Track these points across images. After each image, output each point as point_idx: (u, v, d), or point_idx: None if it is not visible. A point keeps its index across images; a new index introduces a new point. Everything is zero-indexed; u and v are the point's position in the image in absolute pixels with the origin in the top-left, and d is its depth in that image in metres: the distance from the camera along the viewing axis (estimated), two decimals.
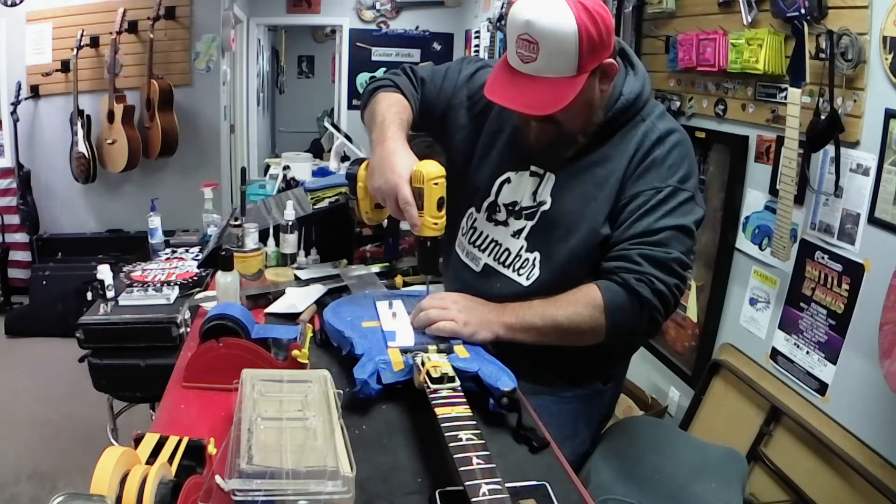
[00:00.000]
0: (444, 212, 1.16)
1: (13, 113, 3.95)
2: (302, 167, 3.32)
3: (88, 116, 3.97)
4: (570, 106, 1.08)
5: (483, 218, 1.31)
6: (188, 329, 1.62)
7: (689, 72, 2.30)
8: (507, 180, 1.28)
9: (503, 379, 1.02)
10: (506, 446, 0.97)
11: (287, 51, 8.47)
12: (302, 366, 1.12)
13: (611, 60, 1.12)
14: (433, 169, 1.13)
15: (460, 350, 1.09)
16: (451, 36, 5.91)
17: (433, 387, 0.96)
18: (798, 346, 1.89)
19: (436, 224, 1.16)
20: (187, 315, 1.66)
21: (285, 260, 1.79)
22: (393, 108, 1.28)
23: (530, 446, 0.97)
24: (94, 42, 4.03)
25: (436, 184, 1.13)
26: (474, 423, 0.87)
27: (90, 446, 2.55)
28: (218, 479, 0.73)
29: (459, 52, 5.85)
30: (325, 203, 1.93)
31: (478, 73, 1.34)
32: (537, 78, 1.09)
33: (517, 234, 1.26)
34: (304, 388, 0.92)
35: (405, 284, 1.68)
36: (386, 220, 1.43)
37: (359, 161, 1.31)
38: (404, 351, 1.07)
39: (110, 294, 1.71)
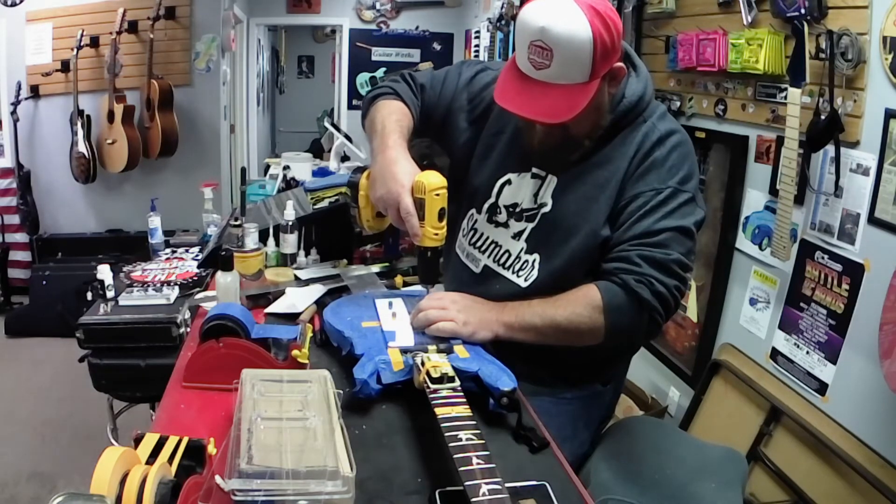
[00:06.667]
0: (444, 222, 1.16)
1: (13, 113, 3.95)
2: (302, 167, 3.33)
3: (88, 116, 3.97)
4: (582, 112, 1.08)
5: (483, 219, 1.31)
6: (188, 329, 1.62)
7: (689, 72, 2.30)
8: (508, 182, 1.28)
9: (503, 379, 1.02)
10: (506, 446, 0.97)
11: (287, 51, 8.48)
12: (302, 366, 1.12)
13: (620, 64, 1.12)
14: (435, 180, 1.14)
15: (460, 350, 1.09)
16: (451, 36, 5.91)
17: (433, 387, 0.96)
18: (798, 346, 1.89)
19: (436, 235, 1.16)
20: (187, 315, 1.66)
21: (285, 260, 1.79)
22: (393, 116, 1.27)
23: (530, 446, 0.97)
24: (94, 42, 4.03)
25: (437, 195, 1.13)
26: (474, 423, 0.87)
27: (90, 446, 2.54)
28: (218, 479, 0.73)
29: (459, 53, 5.85)
30: (325, 203, 1.92)
31: (477, 75, 1.34)
32: (550, 84, 1.07)
33: (517, 235, 1.26)
34: (304, 388, 0.92)
35: (405, 284, 1.67)
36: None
37: (360, 169, 1.32)
38: (404, 351, 1.07)
39: (110, 294, 1.72)
